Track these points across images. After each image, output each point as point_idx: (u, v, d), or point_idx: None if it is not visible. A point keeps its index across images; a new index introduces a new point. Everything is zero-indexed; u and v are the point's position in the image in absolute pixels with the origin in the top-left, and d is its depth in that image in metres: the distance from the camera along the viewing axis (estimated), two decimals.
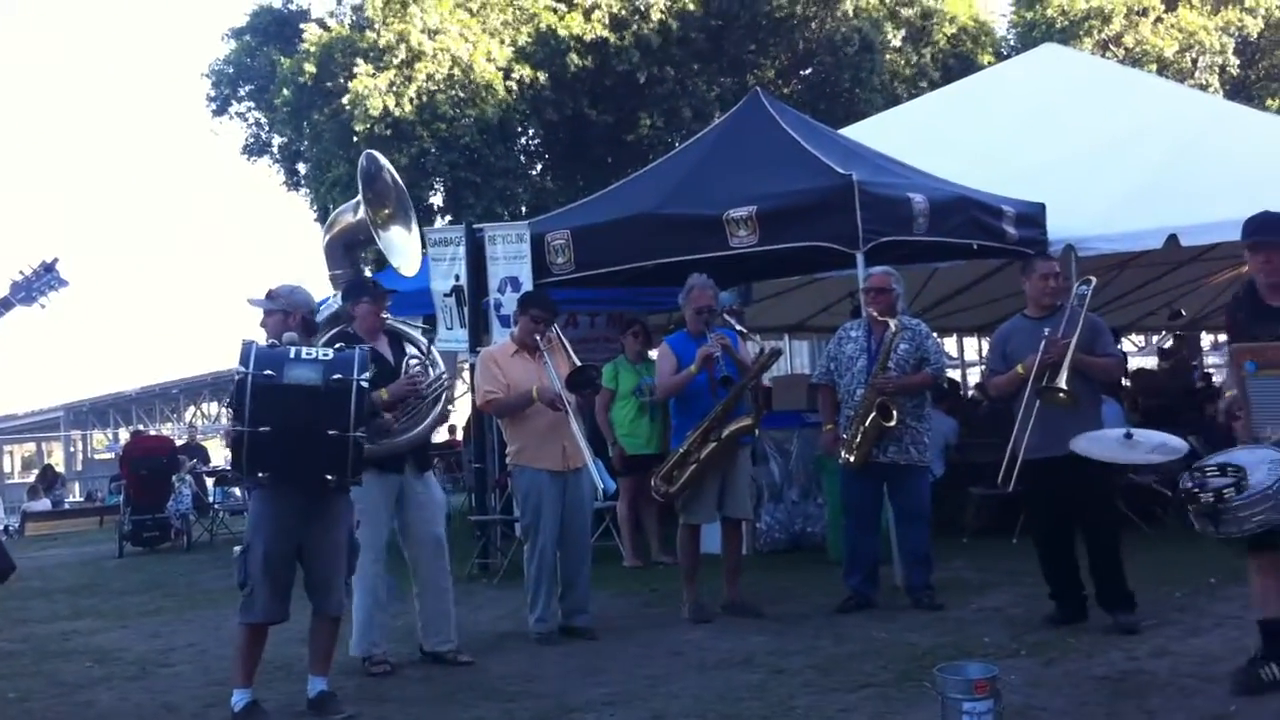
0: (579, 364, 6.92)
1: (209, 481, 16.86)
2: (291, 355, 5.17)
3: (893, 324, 7.06)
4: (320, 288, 7.11)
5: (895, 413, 7.00)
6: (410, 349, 6.36)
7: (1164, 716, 4.62)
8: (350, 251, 7.42)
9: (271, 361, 5.08)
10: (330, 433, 5.08)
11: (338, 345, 5.47)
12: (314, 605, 5.52)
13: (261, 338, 5.44)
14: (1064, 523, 6.40)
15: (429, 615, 6.41)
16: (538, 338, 6.84)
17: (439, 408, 6.29)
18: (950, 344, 17.28)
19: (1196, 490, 4.52)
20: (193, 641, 7.63)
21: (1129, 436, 5.86)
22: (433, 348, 6.52)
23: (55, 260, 5.29)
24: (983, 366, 20.78)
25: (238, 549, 5.41)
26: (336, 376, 5.13)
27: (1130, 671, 5.33)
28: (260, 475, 5.10)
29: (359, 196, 7.12)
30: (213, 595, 9.77)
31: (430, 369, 6.28)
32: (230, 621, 7.70)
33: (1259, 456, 4.50)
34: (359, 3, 21.03)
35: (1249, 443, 4.66)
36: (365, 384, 5.20)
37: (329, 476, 5.19)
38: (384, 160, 7.59)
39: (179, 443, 19.23)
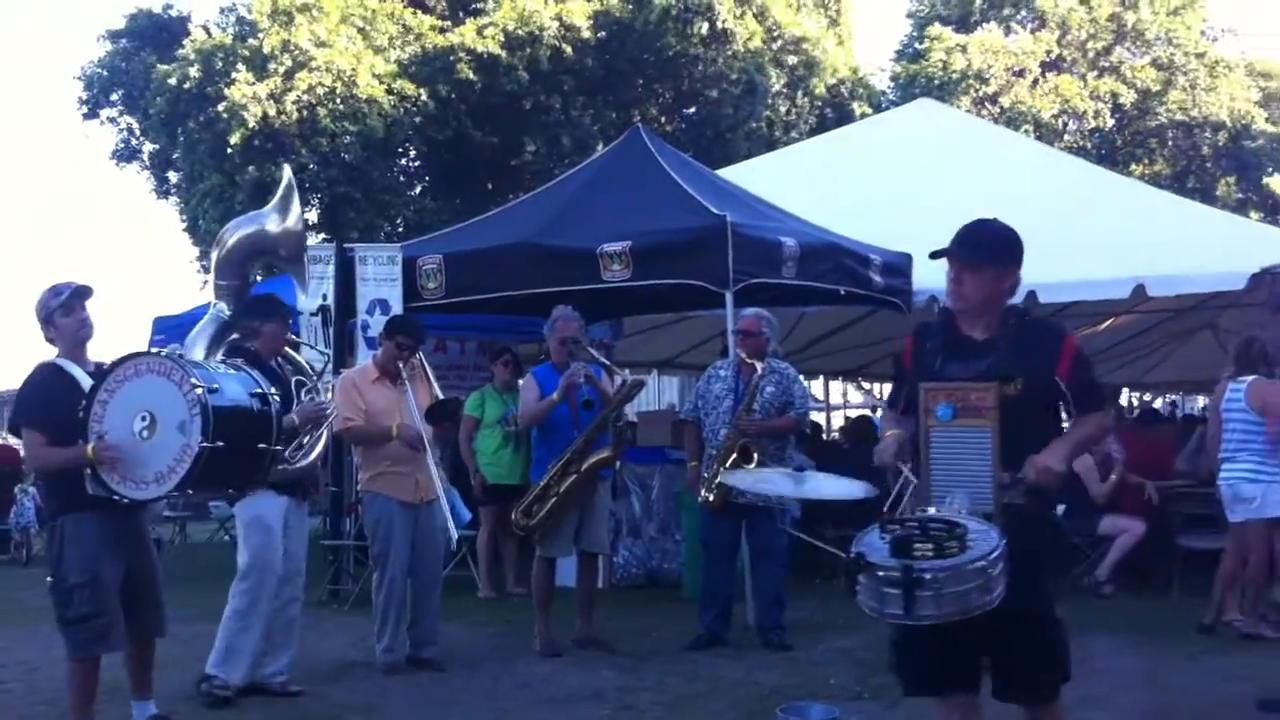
0: (440, 395, 6.83)
1: None
2: (211, 369, 5.02)
3: (759, 366, 7.13)
4: (181, 297, 6.78)
5: (756, 455, 7.06)
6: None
7: None
8: (250, 262, 6.91)
9: (209, 377, 4.86)
10: (260, 446, 5.03)
11: (236, 361, 5.35)
12: (138, 628, 5.30)
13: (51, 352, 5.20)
14: None
15: (273, 645, 6.17)
16: (400, 364, 6.70)
17: (327, 435, 6.06)
18: (816, 386, 17.52)
19: (866, 557, 3.34)
20: (25, 659, 7.32)
21: (800, 470, 5.64)
22: (325, 372, 6.41)
23: None
24: (846, 410, 21.01)
25: (51, 580, 5.17)
26: (257, 391, 5.06)
27: None
28: (189, 491, 4.99)
29: (286, 206, 6.59)
30: (49, 612, 9.33)
31: (318, 394, 6.10)
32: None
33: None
34: (245, 13, 20.66)
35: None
36: (277, 399, 5.16)
37: (230, 490, 5.37)
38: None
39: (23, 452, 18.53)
